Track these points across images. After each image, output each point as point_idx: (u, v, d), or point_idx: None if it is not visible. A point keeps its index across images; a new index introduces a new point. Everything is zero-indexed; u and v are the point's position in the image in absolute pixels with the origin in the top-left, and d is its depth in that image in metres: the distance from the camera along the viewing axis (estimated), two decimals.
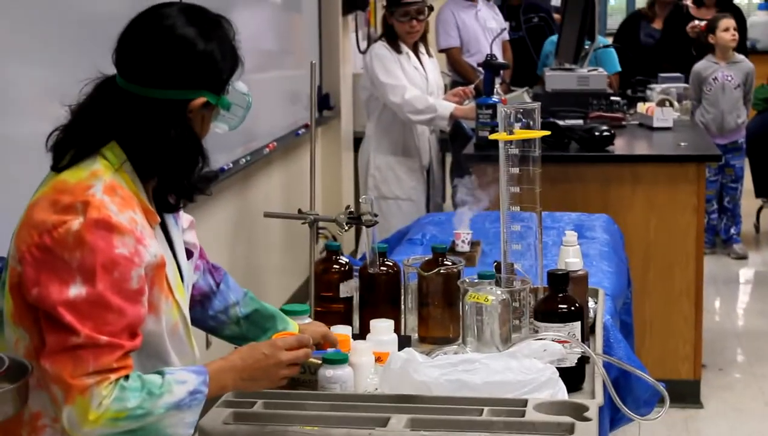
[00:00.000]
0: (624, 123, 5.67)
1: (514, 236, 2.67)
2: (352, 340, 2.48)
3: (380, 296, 2.76)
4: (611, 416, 2.76)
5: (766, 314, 6.22)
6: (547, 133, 2.72)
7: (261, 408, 2.20)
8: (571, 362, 2.40)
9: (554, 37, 7.30)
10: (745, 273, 7.21)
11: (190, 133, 2.05)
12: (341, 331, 2.51)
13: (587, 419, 2.11)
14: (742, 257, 7.32)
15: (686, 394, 4.77)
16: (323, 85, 6.45)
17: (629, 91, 6.78)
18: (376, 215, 2.76)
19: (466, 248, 3.49)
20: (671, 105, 5.89)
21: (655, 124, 5.61)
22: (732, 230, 7.38)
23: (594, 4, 6.22)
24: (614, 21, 11.92)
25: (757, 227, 8.01)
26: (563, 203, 4.47)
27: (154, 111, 2.01)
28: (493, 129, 4.63)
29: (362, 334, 2.61)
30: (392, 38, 5.34)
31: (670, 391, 2.43)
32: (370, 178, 5.47)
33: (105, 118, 2.02)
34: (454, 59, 7.11)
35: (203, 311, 2.38)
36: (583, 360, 2.43)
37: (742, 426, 4.69)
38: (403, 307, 2.82)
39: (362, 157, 5.58)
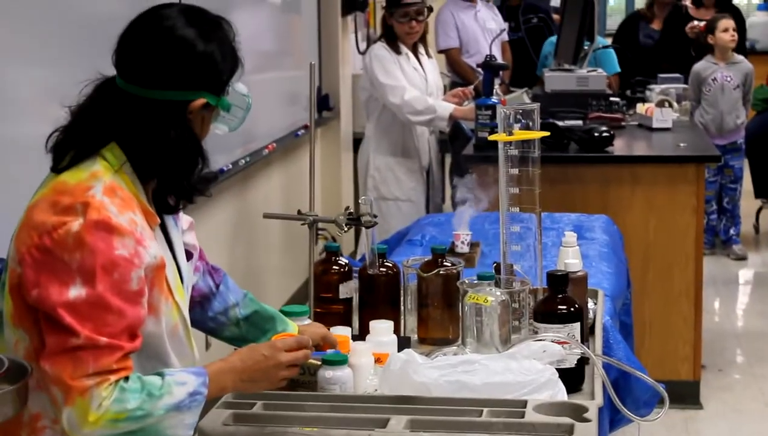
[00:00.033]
0: (623, 124, 5.67)
1: (513, 237, 2.67)
2: (351, 341, 2.48)
3: (380, 297, 2.76)
4: (611, 417, 2.76)
5: (766, 314, 6.23)
6: (547, 134, 2.72)
7: (260, 409, 2.20)
8: (571, 363, 2.40)
9: (553, 38, 7.30)
10: (745, 274, 7.21)
11: (189, 135, 2.05)
12: (341, 332, 2.51)
13: (587, 420, 2.11)
14: (742, 258, 7.32)
15: (686, 395, 4.77)
16: (322, 86, 6.45)
17: (628, 92, 6.78)
18: (375, 216, 2.76)
19: (466, 249, 3.49)
20: (670, 106, 5.89)
21: (655, 124, 5.61)
22: (731, 231, 7.38)
23: (593, 5, 6.22)
24: (614, 21, 11.92)
25: (756, 228, 8.01)
26: (562, 204, 4.47)
27: (154, 112, 2.01)
28: (493, 130, 4.63)
29: (362, 335, 2.61)
30: (391, 39, 5.34)
31: (670, 392, 2.43)
32: (369, 179, 5.46)
33: (105, 119, 2.02)
34: (453, 60, 7.11)
35: (203, 313, 2.38)
36: (583, 361, 2.43)
37: (742, 427, 4.70)
38: (402, 308, 2.82)
39: (362, 158, 5.58)
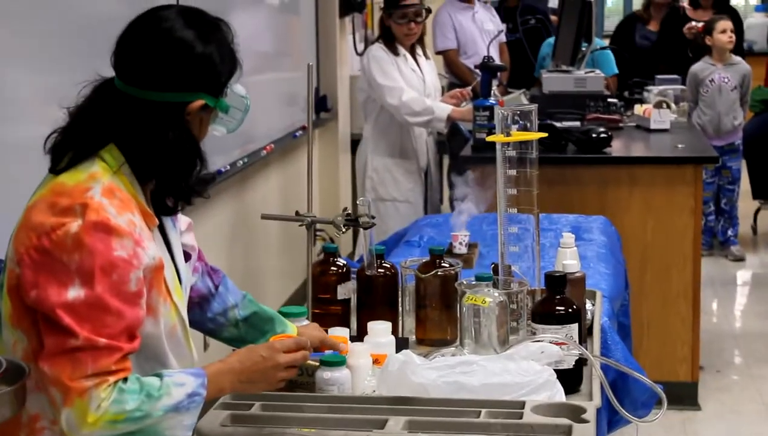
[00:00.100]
0: (621, 125, 5.67)
1: (511, 238, 2.67)
2: (349, 342, 2.48)
3: (378, 298, 2.76)
4: (609, 418, 2.76)
5: (764, 315, 6.23)
6: (544, 135, 2.73)
7: (259, 410, 2.20)
8: (569, 364, 2.40)
9: (551, 39, 7.30)
10: (743, 275, 7.22)
11: (188, 136, 2.05)
12: (339, 333, 2.51)
13: (585, 421, 2.11)
14: (740, 259, 7.32)
15: (684, 396, 4.77)
16: (320, 87, 6.45)
17: (626, 93, 6.79)
18: (373, 217, 2.76)
19: (464, 249, 3.49)
20: (668, 107, 5.90)
21: (652, 126, 5.62)
22: (729, 232, 7.38)
23: (591, 6, 6.23)
24: (611, 23, 11.92)
25: (754, 229, 8.01)
26: (560, 205, 4.48)
27: (152, 113, 2.01)
28: (491, 131, 4.64)
29: (360, 336, 2.61)
30: (389, 40, 5.34)
31: (668, 393, 2.44)
32: (367, 180, 5.46)
33: (103, 120, 2.02)
34: (451, 61, 7.11)
35: (202, 314, 2.38)
36: (581, 362, 2.43)
37: (740, 428, 4.70)
38: (400, 309, 2.82)
39: (359, 159, 5.58)
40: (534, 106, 2.68)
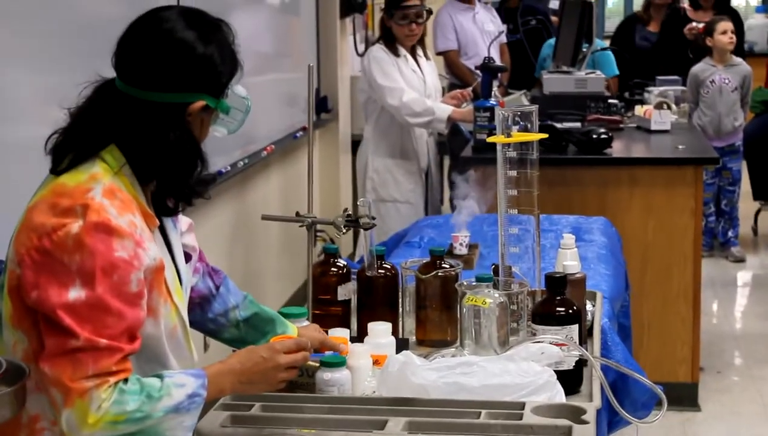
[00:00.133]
0: (622, 126, 5.67)
1: (511, 239, 2.67)
2: (349, 343, 2.48)
3: (378, 299, 2.76)
4: (609, 419, 2.76)
5: (764, 316, 6.23)
6: (545, 136, 2.73)
7: (259, 411, 2.20)
8: (569, 365, 2.40)
9: (552, 40, 7.30)
10: (743, 276, 7.22)
11: (189, 137, 2.05)
12: (339, 334, 2.51)
13: (585, 422, 2.12)
14: (740, 260, 7.32)
15: (684, 397, 4.77)
16: (321, 87, 6.45)
17: (627, 94, 6.79)
18: (373, 218, 2.76)
19: (464, 250, 3.49)
20: (669, 108, 5.90)
21: (653, 127, 5.62)
22: (730, 233, 7.38)
23: (592, 7, 6.23)
24: (612, 24, 11.92)
25: (755, 230, 8.01)
26: (561, 206, 4.48)
27: (153, 114, 2.01)
28: (491, 132, 4.64)
29: (360, 337, 2.61)
30: (390, 41, 5.34)
31: (668, 394, 2.44)
32: (368, 181, 5.46)
33: (104, 121, 2.02)
34: (451, 62, 7.11)
35: (203, 314, 2.38)
36: (581, 363, 2.43)
37: (740, 429, 4.70)
38: (400, 310, 2.82)
39: (360, 160, 5.57)
40: (534, 107, 2.68)
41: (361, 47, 6.93)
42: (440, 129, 5.42)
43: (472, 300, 2.46)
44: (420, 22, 5.33)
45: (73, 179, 1.97)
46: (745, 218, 7.76)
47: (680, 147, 5.13)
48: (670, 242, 4.76)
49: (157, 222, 2.08)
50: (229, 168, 4.60)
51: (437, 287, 2.74)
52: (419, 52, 5.46)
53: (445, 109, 5.26)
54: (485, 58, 5.47)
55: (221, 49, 2.06)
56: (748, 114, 7.46)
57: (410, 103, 5.21)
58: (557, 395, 2.25)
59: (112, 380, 1.90)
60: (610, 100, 5.80)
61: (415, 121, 5.27)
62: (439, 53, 7.08)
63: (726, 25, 7.02)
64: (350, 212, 2.88)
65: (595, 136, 4.91)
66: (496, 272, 2.69)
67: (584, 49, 6.19)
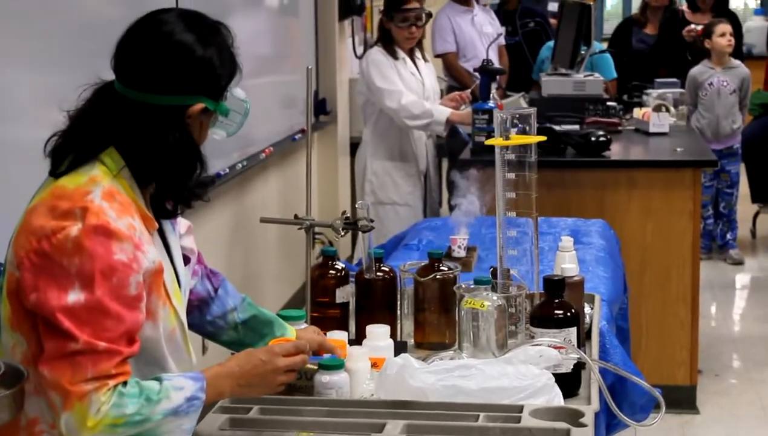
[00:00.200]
0: (620, 128, 5.68)
1: (510, 242, 2.67)
2: (348, 345, 2.48)
3: (376, 302, 2.76)
4: (607, 422, 2.76)
5: (763, 319, 6.23)
6: (543, 138, 2.73)
7: (257, 414, 2.20)
8: (567, 367, 2.40)
9: (551, 43, 7.31)
10: (742, 278, 7.22)
11: (188, 139, 2.05)
12: (337, 336, 2.51)
13: (583, 425, 2.12)
14: (739, 263, 7.32)
15: (682, 399, 4.77)
16: (320, 90, 6.45)
17: (625, 97, 6.79)
18: (372, 221, 2.76)
19: (463, 253, 3.49)
20: (667, 110, 5.90)
21: (652, 129, 5.62)
22: (728, 236, 7.38)
23: (590, 10, 6.23)
24: (610, 26, 11.91)
25: (753, 233, 8.02)
26: (559, 209, 4.48)
27: (152, 117, 2.01)
28: (490, 134, 4.65)
29: (358, 339, 2.61)
30: (388, 43, 5.34)
31: (666, 396, 2.44)
32: (367, 183, 5.46)
33: (103, 123, 2.02)
34: (450, 64, 7.11)
35: (201, 317, 2.38)
36: (579, 366, 2.43)
37: (738, 432, 4.70)
38: (399, 312, 2.82)
39: (359, 163, 5.57)
40: (533, 110, 2.68)
41: (359, 49, 6.93)
42: (439, 131, 5.42)
43: (470, 303, 2.46)
44: (420, 25, 5.33)
45: (72, 182, 1.97)
46: (744, 220, 7.76)
47: (678, 150, 5.13)
48: (668, 245, 4.77)
49: (156, 225, 2.08)
50: (227, 170, 4.60)
51: (435, 290, 2.74)
52: (417, 54, 5.46)
53: (443, 112, 5.26)
54: (484, 60, 5.47)
55: (220, 51, 2.06)
56: (747, 117, 7.47)
57: (409, 105, 5.20)
58: (555, 398, 2.25)
59: (112, 383, 1.90)
60: (608, 103, 5.81)
61: (413, 123, 5.27)
62: (437, 55, 7.08)
63: (724, 27, 7.03)
64: (349, 215, 2.88)
65: (593, 138, 4.92)
66: (494, 274, 2.69)
67: (583, 52, 6.19)
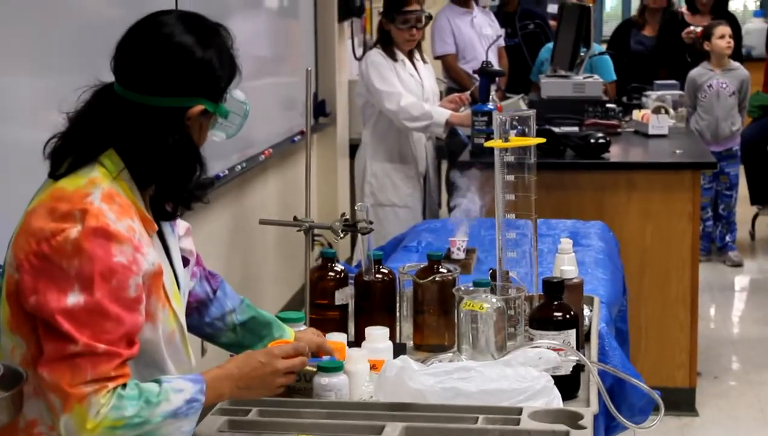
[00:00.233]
0: (619, 130, 5.68)
1: (509, 244, 2.67)
2: (347, 348, 2.48)
3: (375, 304, 2.76)
4: (606, 424, 2.76)
5: (762, 321, 6.23)
6: (543, 140, 2.73)
7: (256, 416, 2.20)
8: (566, 370, 2.40)
9: (550, 44, 7.31)
10: (741, 280, 7.22)
11: (187, 141, 2.05)
12: (336, 338, 2.51)
13: (582, 427, 2.12)
14: (738, 265, 7.32)
15: (681, 402, 4.77)
16: (319, 91, 6.45)
17: (625, 99, 6.80)
18: (371, 223, 2.76)
19: (462, 255, 3.49)
20: (667, 112, 5.90)
21: (651, 131, 5.62)
22: (727, 238, 7.38)
23: (590, 11, 6.24)
24: (610, 28, 11.90)
25: (752, 235, 8.02)
26: (558, 211, 4.48)
27: (151, 119, 2.01)
28: (489, 136, 4.64)
29: (357, 341, 2.61)
30: (388, 45, 5.34)
31: (665, 399, 2.44)
32: (366, 185, 5.46)
33: (103, 125, 2.02)
34: (449, 66, 7.11)
35: (200, 318, 2.38)
36: (578, 368, 2.43)
37: (737, 434, 4.70)
38: (398, 314, 2.82)
39: (359, 165, 5.57)
40: (532, 112, 2.68)
41: (359, 51, 6.93)
42: (438, 133, 5.42)
43: (469, 305, 2.45)
44: (420, 27, 5.33)
45: (71, 184, 1.97)
46: (743, 222, 7.76)
47: (678, 151, 5.13)
48: (667, 247, 4.76)
49: (156, 227, 2.08)
50: (227, 172, 4.60)
51: (435, 292, 2.74)
52: (417, 56, 5.45)
53: (442, 114, 5.26)
54: (483, 62, 5.47)
55: (220, 53, 2.06)
56: (746, 118, 7.47)
57: (408, 107, 5.20)
58: (554, 400, 2.25)
59: (111, 385, 1.90)
60: (607, 105, 5.81)
61: (412, 125, 5.27)
62: (437, 57, 7.08)
63: (724, 29, 7.03)
64: (348, 217, 2.88)
65: (592, 140, 4.92)
66: (493, 276, 2.69)
67: (582, 54, 6.19)
